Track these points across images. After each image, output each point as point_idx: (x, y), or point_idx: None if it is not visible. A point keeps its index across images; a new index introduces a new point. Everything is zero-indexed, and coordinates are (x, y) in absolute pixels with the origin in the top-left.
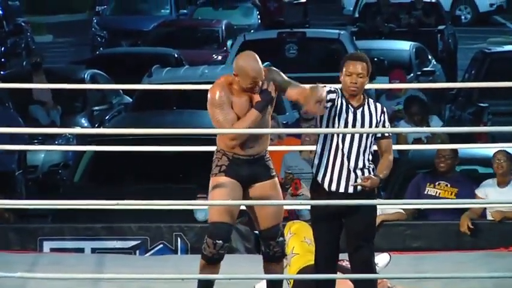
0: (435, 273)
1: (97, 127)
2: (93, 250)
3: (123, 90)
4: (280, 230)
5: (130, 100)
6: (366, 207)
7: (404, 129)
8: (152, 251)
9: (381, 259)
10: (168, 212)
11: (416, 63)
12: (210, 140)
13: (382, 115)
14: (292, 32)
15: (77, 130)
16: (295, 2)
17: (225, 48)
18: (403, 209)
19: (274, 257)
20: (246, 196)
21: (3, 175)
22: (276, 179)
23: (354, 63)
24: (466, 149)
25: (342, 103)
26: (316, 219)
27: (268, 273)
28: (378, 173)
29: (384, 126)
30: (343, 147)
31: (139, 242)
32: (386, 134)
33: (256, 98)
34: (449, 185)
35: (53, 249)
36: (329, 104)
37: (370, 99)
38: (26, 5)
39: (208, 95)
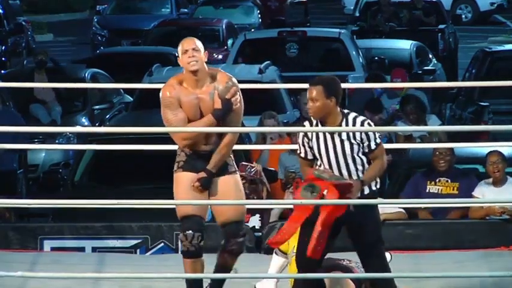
0: (435, 272)
1: (97, 126)
2: (94, 249)
3: (123, 89)
4: (242, 228)
5: (131, 99)
6: (365, 213)
7: (398, 127)
8: (153, 250)
9: None
10: (169, 211)
11: (417, 62)
12: None
13: (362, 132)
14: (292, 31)
15: (77, 129)
16: (296, 1)
17: (225, 47)
18: (403, 209)
19: (232, 253)
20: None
21: (5, 174)
22: (237, 175)
23: (309, 89)
24: (465, 148)
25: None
26: (307, 223)
27: (221, 261)
28: (363, 176)
29: (368, 140)
30: (330, 166)
31: (140, 241)
32: (373, 147)
33: (205, 97)
34: (449, 181)
35: (53, 248)
36: (306, 141)
37: (350, 116)
38: (26, 4)
39: (160, 95)
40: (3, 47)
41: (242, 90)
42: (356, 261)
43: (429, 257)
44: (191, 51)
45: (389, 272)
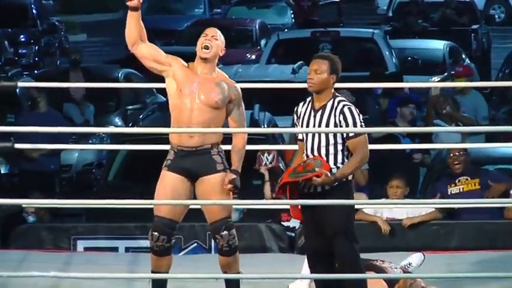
0: (469, 273)
1: (131, 126)
2: (127, 249)
3: (156, 89)
4: (225, 224)
5: (164, 99)
6: (328, 207)
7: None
8: (186, 250)
9: (415, 259)
10: (201, 211)
11: (450, 62)
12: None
13: (341, 115)
14: (326, 31)
15: (110, 129)
16: (329, 1)
17: (258, 47)
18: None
19: (222, 251)
20: (193, 189)
21: (43, 175)
22: (225, 174)
23: (316, 62)
24: (499, 148)
25: (307, 107)
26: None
27: (221, 266)
28: (336, 172)
29: (346, 125)
30: (306, 151)
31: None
32: (351, 135)
33: (205, 81)
34: (469, 178)
35: (86, 249)
36: (296, 118)
37: (337, 98)
38: (59, 4)
39: None
40: (36, 47)
41: (275, 90)
42: (389, 261)
43: (462, 258)
44: (210, 36)
45: (357, 258)
